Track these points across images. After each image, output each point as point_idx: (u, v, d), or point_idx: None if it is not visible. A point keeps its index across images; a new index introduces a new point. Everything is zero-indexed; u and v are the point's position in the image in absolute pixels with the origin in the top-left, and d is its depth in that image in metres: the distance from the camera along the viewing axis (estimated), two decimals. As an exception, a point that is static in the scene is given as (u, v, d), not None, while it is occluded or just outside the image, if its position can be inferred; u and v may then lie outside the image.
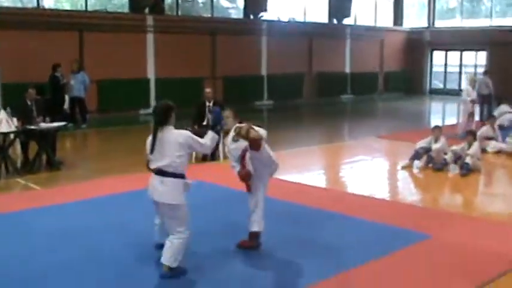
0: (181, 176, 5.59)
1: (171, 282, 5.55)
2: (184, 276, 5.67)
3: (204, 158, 11.52)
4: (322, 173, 11.50)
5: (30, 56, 17.02)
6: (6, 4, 19.08)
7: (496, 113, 15.83)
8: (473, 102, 15.26)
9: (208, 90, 12.23)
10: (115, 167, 11.08)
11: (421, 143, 11.13)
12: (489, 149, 12.59)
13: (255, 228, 6.46)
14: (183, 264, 5.71)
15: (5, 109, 10.27)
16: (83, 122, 16.91)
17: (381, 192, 9.69)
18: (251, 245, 6.46)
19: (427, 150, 10.99)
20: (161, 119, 5.66)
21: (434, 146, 10.90)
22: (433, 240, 6.76)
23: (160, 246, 5.78)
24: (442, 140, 10.98)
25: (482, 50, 28.02)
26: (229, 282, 5.66)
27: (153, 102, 20.14)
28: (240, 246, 6.47)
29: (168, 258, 5.59)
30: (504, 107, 16.31)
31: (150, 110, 19.56)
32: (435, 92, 30.14)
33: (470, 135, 11.08)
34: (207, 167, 10.95)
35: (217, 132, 5.99)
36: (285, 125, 17.88)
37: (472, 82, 15.80)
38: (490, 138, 12.85)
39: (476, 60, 28.66)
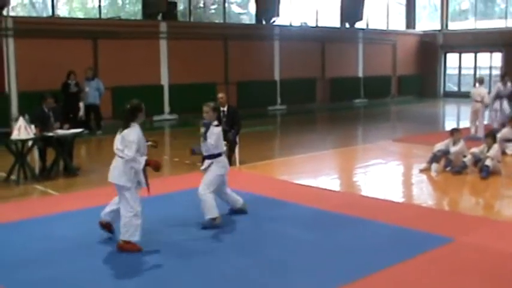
0: None
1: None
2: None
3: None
4: (338, 177, 11.43)
5: (45, 64, 17.13)
6: (22, 13, 19.22)
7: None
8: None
9: (221, 95, 12.16)
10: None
11: (439, 146, 11.04)
12: (509, 151, 12.46)
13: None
14: None
15: (23, 116, 10.32)
16: (98, 128, 16.97)
17: (399, 195, 9.64)
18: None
19: (445, 153, 10.92)
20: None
21: (453, 149, 10.82)
22: (455, 244, 6.68)
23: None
24: (461, 143, 10.89)
25: (498, 51, 27.84)
26: (241, 281, 5.64)
27: (167, 109, 20.21)
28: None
29: None
30: None
31: (165, 117, 19.71)
32: (449, 95, 29.95)
33: (490, 137, 10.96)
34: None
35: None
36: (299, 130, 17.83)
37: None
38: (509, 140, 12.72)
39: (491, 61, 28.47)
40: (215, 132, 7.37)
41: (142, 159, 6.40)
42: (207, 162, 7.47)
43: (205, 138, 7.32)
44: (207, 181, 7.38)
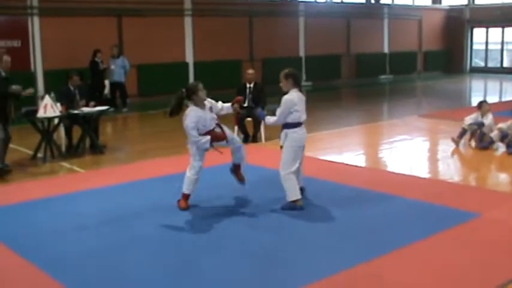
0: None
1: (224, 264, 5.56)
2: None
3: (245, 140, 11.52)
4: (363, 153, 11.36)
5: (71, 42, 17.22)
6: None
7: None
8: None
9: (251, 71, 12.15)
10: (156, 149, 11.16)
11: (469, 119, 10.83)
12: (536, 127, 12.23)
13: None
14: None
15: (49, 94, 10.40)
16: (124, 106, 17.06)
17: (425, 171, 9.56)
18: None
19: (480, 125, 10.69)
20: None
21: (486, 121, 10.61)
22: (482, 219, 6.61)
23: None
24: (490, 116, 10.71)
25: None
26: (266, 257, 5.64)
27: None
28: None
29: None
30: None
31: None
32: (476, 71, 29.57)
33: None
34: (248, 148, 10.88)
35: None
36: (324, 106, 17.75)
37: None
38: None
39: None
40: (283, 101, 6.98)
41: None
42: (282, 134, 7.09)
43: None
44: (282, 160, 7.04)
